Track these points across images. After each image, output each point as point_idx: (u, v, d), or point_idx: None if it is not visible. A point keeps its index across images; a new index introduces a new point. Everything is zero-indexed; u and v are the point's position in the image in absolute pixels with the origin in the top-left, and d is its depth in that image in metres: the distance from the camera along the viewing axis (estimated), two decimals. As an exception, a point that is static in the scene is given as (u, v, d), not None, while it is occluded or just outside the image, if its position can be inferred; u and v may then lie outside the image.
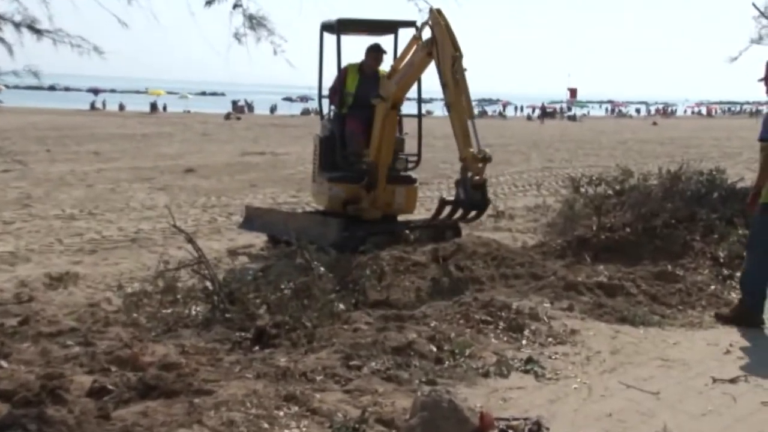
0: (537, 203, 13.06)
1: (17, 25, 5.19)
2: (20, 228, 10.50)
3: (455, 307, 5.90)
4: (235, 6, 5.56)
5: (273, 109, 67.79)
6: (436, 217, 8.39)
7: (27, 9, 5.18)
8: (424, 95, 9.77)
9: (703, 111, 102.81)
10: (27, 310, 6.09)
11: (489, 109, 76.63)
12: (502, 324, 5.53)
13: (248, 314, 5.53)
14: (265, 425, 3.78)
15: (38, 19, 5.23)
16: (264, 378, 4.37)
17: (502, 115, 71.35)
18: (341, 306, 5.74)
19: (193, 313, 5.77)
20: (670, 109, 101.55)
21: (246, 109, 67.47)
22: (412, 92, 9.10)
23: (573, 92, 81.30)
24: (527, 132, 40.71)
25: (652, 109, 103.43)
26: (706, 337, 5.75)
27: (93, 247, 9.38)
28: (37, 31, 5.25)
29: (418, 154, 9.52)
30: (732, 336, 5.79)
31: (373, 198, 8.92)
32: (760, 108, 67.15)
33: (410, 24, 9.02)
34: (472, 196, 7.83)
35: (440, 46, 7.95)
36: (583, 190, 9.01)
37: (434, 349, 4.92)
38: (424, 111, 10.85)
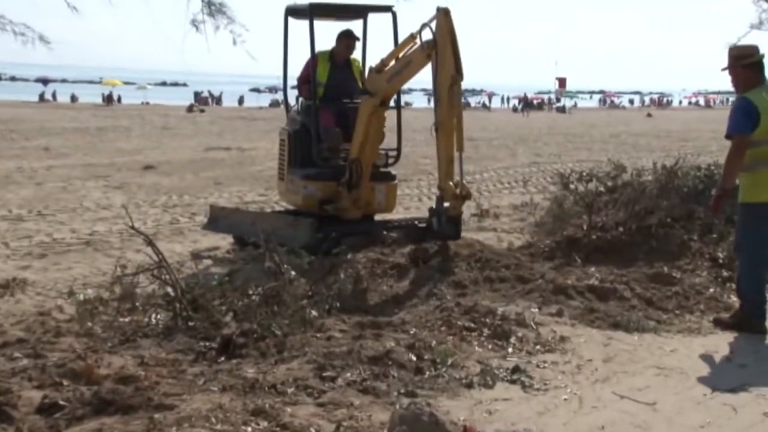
0: (524, 201, 13.10)
1: None
2: (-37, 230, 10.38)
3: (436, 313, 5.91)
4: (192, -10, 5.53)
5: (241, 100, 67.59)
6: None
7: None
8: (403, 86, 9.77)
9: (701, 101, 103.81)
10: (-30, 319, 6.03)
11: (472, 101, 76.77)
12: (486, 331, 5.55)
13: (213, 322, 5.51)
14: (232, 442, 3.77)
15: None
16: (230, 391, 4.36)
17: (486, 106, 71.53)
18: (314, 313, 5.73)
19: (153, 321, 5.74)
20: (665, 99, 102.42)
21: (211, 100, 67.21)
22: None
23: (562, 82, 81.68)
24: (513, 125, 40.88)
25: (647, 99, 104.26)
26: (705, 343, 5.80)
27: (43, 251, 9.29)
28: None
29: (398, 149, 9.52)
30: (732, 343, 5.85)
31: (355, 197, 8.91)
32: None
33: (384, 9, 9.00)
34: (446, 228, 7.86)
35: (441, 59, 7.82)
36: (573, 186, 9.07)
37: (414, 359, 4.93)
38: (402, 102, 10.86)
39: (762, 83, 6.22)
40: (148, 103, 58.43)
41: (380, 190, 9.21)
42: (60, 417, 3.99)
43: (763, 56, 6.30)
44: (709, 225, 8.35)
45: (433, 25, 7.92)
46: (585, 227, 8.50)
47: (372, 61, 9.60)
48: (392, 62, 8.54)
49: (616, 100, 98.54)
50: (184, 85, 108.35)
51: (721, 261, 7.61)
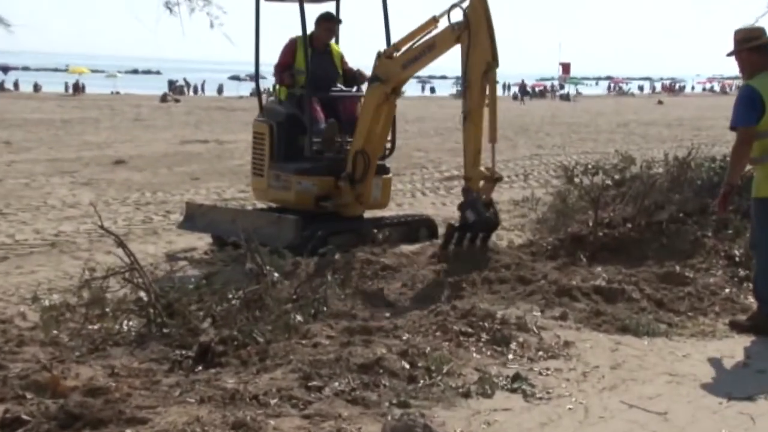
0: (525, 196, 13.08)
1: None
2: None
3: (431, 317, 5.92)
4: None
5: (220, 89, 67.55)
6: (447, 247, 7.99)
7: None
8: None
9: (716, 87, 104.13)
10: (-75, 328, 6.00)
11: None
12: (485, 336, 5.55)
13: (190, 329, 5.51)
14: (210, 458, 3.78)
15: None
16: (209, 403, 4.36)
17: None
18: (299, 318, 5.73)
19: (125, 328, 5.74)
20: (678, 85, 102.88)
21: (186, 89, 67.11)
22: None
23: (566, 67, 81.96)
24: (513, 114, 40.90)
25: (658, 85, 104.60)
26: (720, 348, 5.82)
27: (4, 253, 9.27)
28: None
29: (392, 141, 9.54)
30: (749, 347, 5.87)
31: (359, 192, 8.91)
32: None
33: None
34: (487, 217, 7.78)
35: (474, 43, 7.78)
36: (577, 180, 9.08)
37: (407, 366, 4.93)
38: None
39: None
40: (118, 93, 58.37)
41: (376, 185, 9.23)
42: (23, 432, 3.98)
43: None
44: (725, 220, 8.34)
45: (465, 5, 7.89)
46: (590, 224, 8.51)
47: (345, 47, 9.65)
48: (406, 47, 8.50)
49: (625, 87, 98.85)
50: (158, 73, 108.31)
51: (737, 259, 7.62)
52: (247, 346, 5.19)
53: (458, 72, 8.30)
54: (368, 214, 9.58)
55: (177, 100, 48.62)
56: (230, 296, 5.87)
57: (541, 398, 4.75)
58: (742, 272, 7.35)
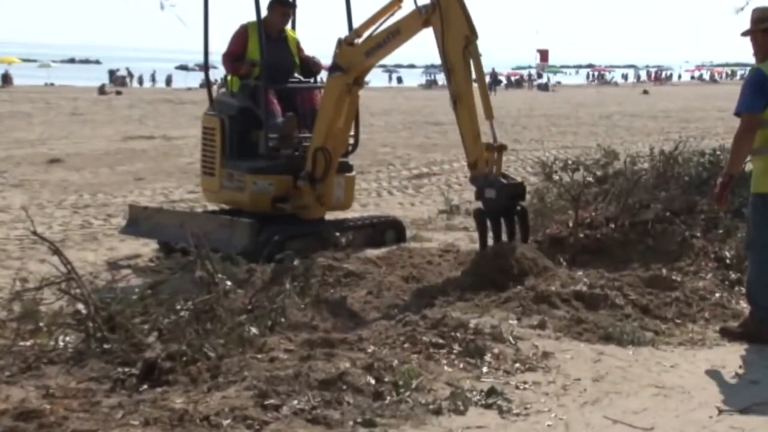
0: (500, 195, 13.18)
1: None
2: None
3: (398, 327, 5.92)
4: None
5: (169, 80, 67.25)
6: (485, 242, 7.84)
7: None
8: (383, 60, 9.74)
9: (706, 75, 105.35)
10: None
11: (441, 78, 77.10)
12: (457, 347, 5.57)
13: (133, 344, 5.47)
14: (157, 485, 3.76)
15: None
16: (155, 425, 4.34)
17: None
18: (254, 330, 5.72)
19: (61, 344, 5.68)
20: (664, 73, 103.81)
21: (129, 80, 66.67)
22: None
23: (544, 55, 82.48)
24: (488, 105, 41.06)
25: (643, 74, 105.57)
26: (709, 357, 5.87)
27: (-73, 263, 9.17)
28: None
29: (356, 136, 9.54)
30: (742, 356, 5.92)
31: (320, 192, 8.89)
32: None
33: None
34: (508, 191, 7.64)
35: (448, 20, 7.74)
36: (556, 177, 9.15)
37: (372, 382, 4.93)
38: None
39: None
40: (52, 84, 57.85)
41: (338, 184, 9.22)
42: (-51, 461, 3.94)
43: None
44: (715, 219, 8.42)
45: None
46: (571, 224, 8.57)
47: (302, 33, 9.65)
48: (368, 32, 8.48)
49: (607, 75, 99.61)
50: (97, 62, 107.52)
51: (728, 261, 7.69)
52: (197, 362, 5.16)
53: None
54: (330, 216, 9.57)
55: (119, 92, 48.28)
56: (178, 307, 5.83)
57: (518, 414, 4.77)
58: (733, 275, 7.42)
